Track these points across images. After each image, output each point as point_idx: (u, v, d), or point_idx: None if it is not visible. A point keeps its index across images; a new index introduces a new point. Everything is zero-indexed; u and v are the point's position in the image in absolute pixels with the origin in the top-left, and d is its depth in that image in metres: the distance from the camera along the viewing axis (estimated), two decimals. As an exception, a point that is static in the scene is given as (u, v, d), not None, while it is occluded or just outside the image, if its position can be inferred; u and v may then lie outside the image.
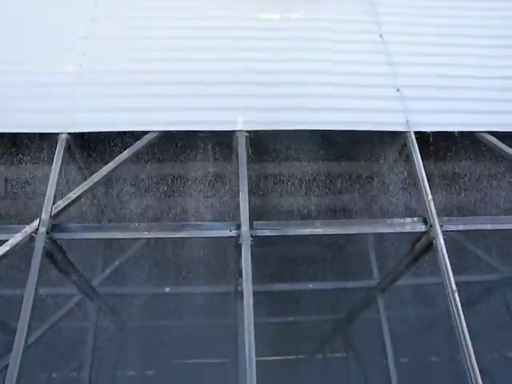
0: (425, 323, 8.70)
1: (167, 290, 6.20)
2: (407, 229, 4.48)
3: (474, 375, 3.76)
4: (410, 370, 8.48)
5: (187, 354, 11.39)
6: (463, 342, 3.86)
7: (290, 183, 5.48)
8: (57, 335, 6.53)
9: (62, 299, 5.77)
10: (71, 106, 4.84)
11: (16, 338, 3.73)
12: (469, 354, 3.81)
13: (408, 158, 4.91)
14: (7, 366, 3.66)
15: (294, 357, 12.27)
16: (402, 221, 4.51)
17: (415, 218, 4.50)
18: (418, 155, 4.69)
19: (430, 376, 9.39)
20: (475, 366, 3.79)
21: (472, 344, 3.84)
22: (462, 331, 3.88)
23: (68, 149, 4.76)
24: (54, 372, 8.97)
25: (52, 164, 4.48)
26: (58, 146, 4.63)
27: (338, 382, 8.49)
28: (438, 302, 7.13)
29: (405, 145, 4.91)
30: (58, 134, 4.68)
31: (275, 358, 11.16)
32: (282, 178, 5.47)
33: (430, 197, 4.47)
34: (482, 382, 3.73)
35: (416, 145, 4.75)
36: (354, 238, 6.23)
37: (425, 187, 4.52)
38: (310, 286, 6.49)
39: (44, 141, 4.80)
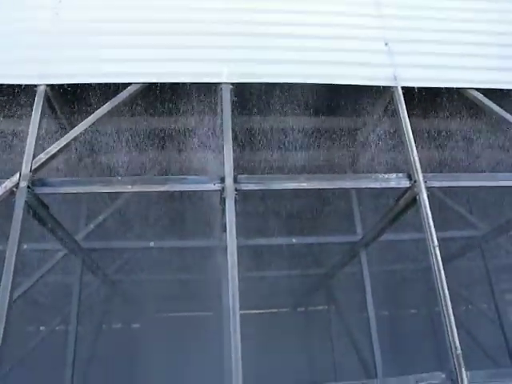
0: (405, 278, 8.93)
1: (151, 244, 6.21)
2: (391, 184, 4.50)
3: (451, 327, 3.88)
4: (390, 323, 8.75)
5: (172, 307, 11.60)
6: (442, 295, 3.96)
7: (274, 138, 5.43)
8: (43, 290, 6.56)
9: (46, 254, 5.76)
10: (49, 56, 4.66)
11: (0, 293, 3.73)
12: (446, 306, 3.92)
13: (394, 114, 4.88)
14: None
15: (276, 310, 12.57)
16: (387, 176, 4.53)
17: (400, 174, 4.52)
18: (405, 111, 4.66)
19: (409, 328, 9.71)
20: (452, 318, 3.91)
21: (450, 297, 3.96)
22: (442, 285, 3.98)
23: (47, 101, 4.64)
24: (41, 326, 9.09)
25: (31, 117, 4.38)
26: (36, 98, 4.50)
27: (320, 334, 8.72)
28: (419, 257, 7.31)
29: (391, 100, 4.87)
30: (35, 85, 4.54)
31: (258, 312, 11.42)
32: (266, 132, 5.42)
33: (414, 153, 4.48)
34: (457, 333, 3.85)
35: (403, 100, 4.71)
36: (338, 194, 6.26)
37: (410, 143, 4.52)
38: (294, 240, 6.54)
39: (22, 94, 4.65)
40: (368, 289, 5.81)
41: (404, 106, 4.68)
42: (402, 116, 4.65)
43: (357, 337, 6.61)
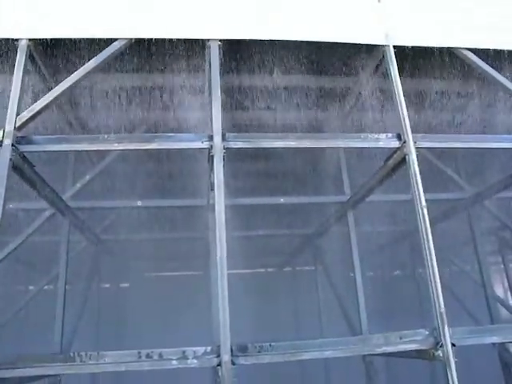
0: (392, 239, 9.05)
1: (139, 203, 6.17)
2: (381, 144, 4.49)
3: (436, 285, 3.96)
4: (375, 283, 8.91)
5: (160, 267, 11.71)
6: (428, 255, 4.02)
7: (263, 97, 5.35)
8: (30, 250, 6.55)
9: (33, 214, 5.72)
10: (31, 9, 4.49)
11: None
12: (432, 266, 3.99)
13: (385, 74, 4.82)
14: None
15: (263, 270, 12.75)
16: (376, 136, 4.51)
17: (389, 134, 4.50)
18: (396, 70, 4.60)
19: (393, 288, 9.91)
20: (437, 276, 3.98)
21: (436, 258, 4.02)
22: (428, 244, 4.03)
23: (30, 57, 4.50)
24: (30, 285, 9.12)
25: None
26: (18, 53, 4.35)
27: (307, 294, 8.88)
28: (406, 218, 7.38)
29: (383, 59, 4.79)
30: (17, 40, 4.39)
31: (246, 271, 11.56)
32: (255, 91, 5.33)
33: (405, 113, 4.44)
34: (442, 293, 3.93)
35: (394, 59, 4.64)
36: (326, 154, 6.25)
37: (400, 103, 4.48)
38: (282, 200, 6.54)
39: (4, 49, 4.50)
40: (355, 249, 5.87)
41: (395, 65, 4.61)
42: (392, 75, 4.59)
43: (343, 296, 6.73)
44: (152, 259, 10.37)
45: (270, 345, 3.72)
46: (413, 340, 3.94)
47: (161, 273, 12.08)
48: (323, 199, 6.71)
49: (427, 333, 3.95)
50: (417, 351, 4.00)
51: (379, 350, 4.00)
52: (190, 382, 6.55)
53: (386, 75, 4.72)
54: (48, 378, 4.70)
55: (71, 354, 3.69)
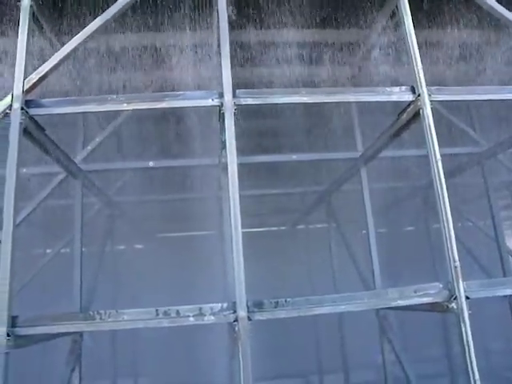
0: (405, 195, 9.01)
1: (151, 164, 6.16)
2: (394, 98, 4.38)
3: (450, 240, 3.95)
4: (388, 240, 8.92)
5: (173, 227, 11.83)
6: (442, 209, 3.99)
7: (272, 53, 5.23)
8: (45, 214, 6.62)
9: (45, 178, 5.74)
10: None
11: (4, 217, 3.76)
12: (447, 220, 3.97)
13: (398, 25, 4.66)
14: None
15: (276, 228, 12.81)
16: (389, 89, 4.39)
17: (403, 87, 4.38)
18: (410, 20, 4.43)
19: (408, 245, 9.93)
20: (451, 231, 3.97)
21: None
22: (443, 198, 4.00)
23: (34, 18, 4.40)
24: (47, 248, 9.28)
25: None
26: (21, 14, 4.27)
27: (320, 251, 8.93)
28: (419, 174, 7.32)
29: (396, 10, 4.62)
30: (19, 0, 4.29)
31: (259, 230, 11.65)
32: (266, 46, 5.21)
33: (419, 65, 4.31)
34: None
35: (408, 9, 4.46)
36: (338, 110, 6.13)
37: (414, 55, 4.34)
38: (294, 157, 6.48)
39: (6, 11, 4.42)
40: (368, 205, 5.84)
41: (409, 15, 4.43)
42: (406, 26, 4.42)
43: (356, 253, 6.76)
44: (165, 220, 10.47)
45: (286, 300, 3.78)
46: (427, 293, 3.97)
47: (173, 233, 12.21)
48: (335, 155, 6.62)
49: (441, 286, 3.98)
50: (431, 304, 4.04)
51: (394, 304, 4.04)
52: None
53: (399, 26, 4.57)
54: (70, 336, 4.87)
55: (91, 313, 3.79)
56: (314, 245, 9.95)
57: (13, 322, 3.56)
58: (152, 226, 10.77)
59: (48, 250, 9.01)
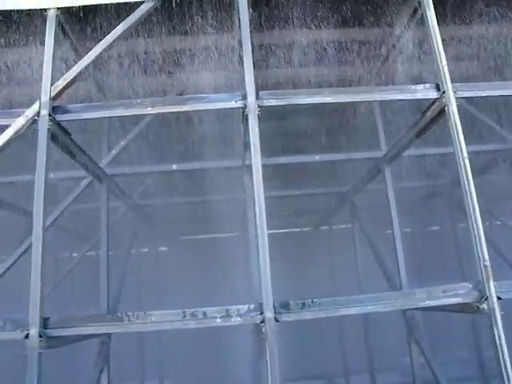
0: (429, 194, 8.89)
1: (174, 167, 6.21)
2: (418, 96, 4.32)
3: (479, 239, 3.87)
4: (413, 239, 8.81)
5: (197, 229, 11.88)
6: (471, 207, 3.92)
7: (296, 52, 5.21)
8: (72, 218, 6.72)
9: (72, 182, 5.83)
10: (56, -23, 4.45)
11: (34, 222, 3.84)
12: (475, 218, 3.90)
13: (421, 22, 4.60)
14: (31, 245, 3.83)
15: (299, 229, 12.75)
16: (413, 87, 4.34)
17: (427, 85, 4.32)
18: (433, 16, 4.36)
19: (433, 245, 9.79)
20: (481, 230, 3.89)
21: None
22: (471, 196, 3.92)
23: (60, 27, 4.49)
24: (74, 252, 9.41)
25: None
26: (48, 23, 4.36)
27: (344, 251, 8.86)
28: (445, 172, 7.21)
29: (418, 6, 4.56)
30: (45, 9, 4.38)
31: (281, 231, 11.59)
32: (287, 47, 5.19)
33: (444, 62, 4.24)
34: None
35: (431, 4, 4.40)
36: (360, 109, 6.08)
37: (439, 51, 4.27)
38: (317, 158, 6.44)
39: (33, 21, 4.51)
40: (393, 205, 5.77)
41: (433, 11, 4.37)
42: (430, 22, 4.36)
43: (381, 252, 6.68)
44: (189, 222, 10.53)
45: (312, 301, 3.76)
46: (456, 294, 3.90)
47: (198, 235, 12.27)
48: (358, 155, 6.56)
49: (471, 286, 3.90)
50: (460, 305, 3.97)
51: (422, 305, 3.99)
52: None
53: (422, 22, 4.51)
54: (98, 338, 4.93)
55: (119, 314, 3.85)
56: (338, 245, 9.88)
57: (44, 323, 3.64)
58: (176, 228, 10.85)
59: (74, 254, 9.16)
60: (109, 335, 4.99)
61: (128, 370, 8.29)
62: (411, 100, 4.44)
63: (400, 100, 4.42)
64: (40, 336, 3.54)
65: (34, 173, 3.98)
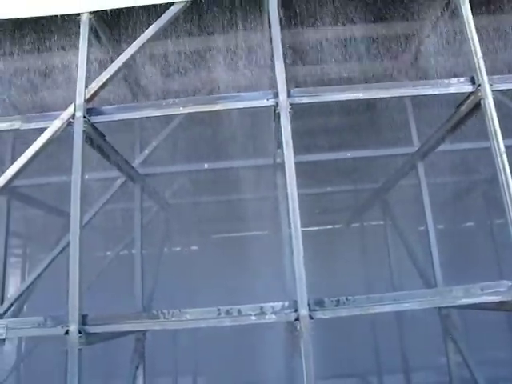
0: (464, 190, 8.71)
1: (206, 166, 6.25)
2: (452, 90, 4.23)
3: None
4: (447, 236, 8.64)
5: (229, 228, 11.95)
6: (509, 202, 3.82)
7: (325, 50, 5.17)
8: (106, 217, 6.85)
9: (105, 183, 5.94)
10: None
11: (71, 221, 3.94)
12: (514, 214, 3.80)
13: (455, 13, 4.50)
14: (68, 243, 3.94)
15: (331, 226, 12.67)
16: (447, 81, 4.24)
17: (461, 78, 4.22)
18: (468, 7, 4.26)
19: (468, 241, 9.59)
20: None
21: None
22: (509, 191, 3.82)
23: (93, 31, 4.60)
24: (108, 251, 9.59)
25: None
26: (81, 27, 4.47)
27: (377, 248, 8.75)
28: (480, 168, 7.04)
29: (451, -2, 4.46)
30: (78, 14, 4.48)
31: (313, 229, 11.53)
32: (318, 44, 5.16)
33: (479, 54, 4.14)
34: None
35: (466, -4, 4.30)
36: (392, 105, 5.97)
37: (474, 44, 4.17)
38: (349, 154, 6.39)
39: (68, 26, 4.62)
40: (426, 201, 5.66)
41: (467, 3, 4.27)
42: (464, 13, 4.26)
43: (414, 250, 6.57)
44: (220, 221, 10.59)
45: (347, 298, 3.74)
46: (495, 291, 3.80)
47: (230, 234, 12.34)
48: (391, 151, 6.46)
49: (510, 284, 3.80)
50: (498, 303, 3.87)
51: (458, 302, 3.91)
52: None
53: (456, 15, 4.41)
54: (134, 334, 5.02)
55: (155, 312, 3.91)
56: (370, 242, 9.77)
57: (83, 320, 3.73)
58: (208, 227, 10.93)
59: (108, 253, 9.34)
60: (144, 332, 5.08)
61: (162, 367, 8.43)
62: (445, 94, 4.33)
63: (434, 95, 4.31)
64: (79, 332, 3.64)
65: (68, 174, 4.09)
